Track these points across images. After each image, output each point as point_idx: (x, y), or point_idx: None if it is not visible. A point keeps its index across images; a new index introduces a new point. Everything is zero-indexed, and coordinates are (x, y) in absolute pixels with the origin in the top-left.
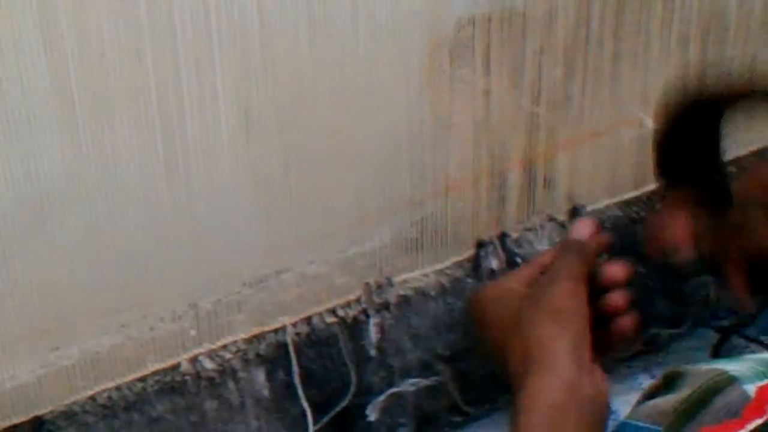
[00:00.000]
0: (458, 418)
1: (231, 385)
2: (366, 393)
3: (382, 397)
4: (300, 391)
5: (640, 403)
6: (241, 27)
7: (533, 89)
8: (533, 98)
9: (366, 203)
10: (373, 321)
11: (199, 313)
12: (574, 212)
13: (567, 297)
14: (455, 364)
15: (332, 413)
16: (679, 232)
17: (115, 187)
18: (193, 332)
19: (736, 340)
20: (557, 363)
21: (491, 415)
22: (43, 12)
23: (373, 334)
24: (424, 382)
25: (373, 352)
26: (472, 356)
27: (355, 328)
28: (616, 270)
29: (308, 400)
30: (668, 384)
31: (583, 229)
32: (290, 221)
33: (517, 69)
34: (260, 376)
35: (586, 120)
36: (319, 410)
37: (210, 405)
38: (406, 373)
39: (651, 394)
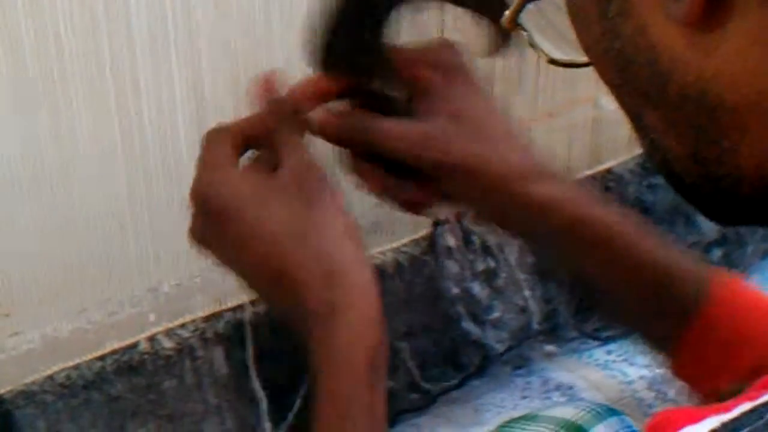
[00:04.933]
0: (416, 397)
1: (187, 363)
2: None
3: None
4: (252, 372)
5: None
6: (196, 8)
7: (486, 70)
8: (487, 79)
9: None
10: None
11: (159, 297)
12: None
13: (335, 213)
14: (413, 341)
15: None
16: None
17: (73, 169)
18: (152, 317)
19: None
20: (369, 296)
21: (451, 396)
22: None
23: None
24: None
25: None
26: (430, 333)
27: None
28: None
29: (265, 377)
30: None
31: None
32: None
33: (469, 49)
34: (219, 354)
35: (540, 100)
36: (274, 389)
37: (168, 383)
38: None
39: None
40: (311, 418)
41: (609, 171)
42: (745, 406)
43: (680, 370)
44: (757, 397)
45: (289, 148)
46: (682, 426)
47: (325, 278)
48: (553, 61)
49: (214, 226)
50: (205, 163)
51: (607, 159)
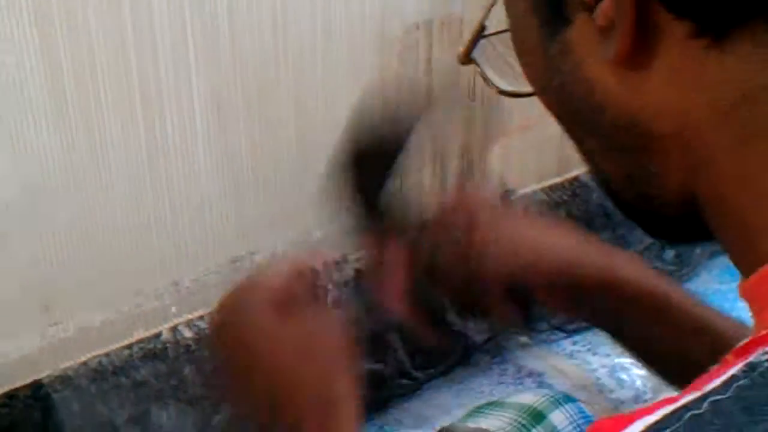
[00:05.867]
0: (406, 382)
1: (205, 353)
2: None
3: None
4: None
5: None
6: (213, 30)
7: (469, 86)
8: (469, 94)
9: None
10: (331, 294)
11: (180, 291)
12: (506, 195)
13: (343, 354)
14: (406, 335)
15: None
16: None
17: (103, 174)
18: (174, 308)
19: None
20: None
21: (436, 381)
22: (38, 12)
23: (330, 305)
24: (376, 353)
25: None
26: (419, 325)
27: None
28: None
29: None
30: None
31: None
32: (258, 206)
33: (455, 68)
34: None
35: (515, 114)
36: None
37: (188, 370)
38: (360, 341)
39: None
40: None
41: (575, 179)
42: (667, 409)
43: None
44: (677, 401)
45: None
46: None
47: (323, 414)
48: (501, 92)
49: (233, 343)
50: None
51: (574, 168)
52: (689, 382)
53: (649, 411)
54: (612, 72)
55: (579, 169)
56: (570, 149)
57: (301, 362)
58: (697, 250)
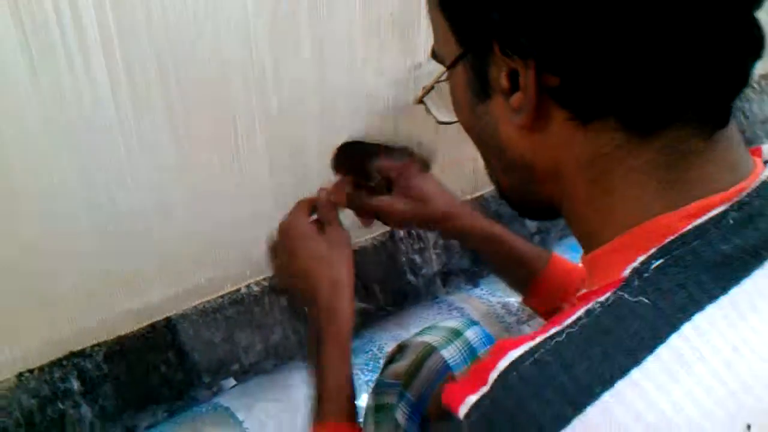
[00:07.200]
0: (383, 313)
1: (266, 299)
2: None
3: None
4: None
5: (386, 365)
6: (267, 107)
7: (411, 139)
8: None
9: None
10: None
11: (252, 261)
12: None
13: (346, 258)
14: (381, 284)
15: None
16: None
17: (203, 196)
18: (248, 272)
19: None
20: (348, 295)
21: (400, 312)
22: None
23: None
24: (365, 297)
25: None
26: (390, 280)
27: None
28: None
29: None
30: (400, 352)
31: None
32: None
33: (416, 134)
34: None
35: (446, 155)
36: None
37: (256, 310)
38: (357, 291)
39: (391, 359)
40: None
41: (481, 196)
42: (541, 337)
43: (530, 303)
44: (546, 331)
45: (328, 221)
46: (508, 351)
47: (331, 291)
48: (440, 122)
49: (284, 250)
50: (290, 215)
51: (482, 189)
52: (504, 277)
53: (531, 337)
54: (516, 131)
55: (484, 190)
56: (480, 179)
57: (320, 265)
58: (552, 235)
